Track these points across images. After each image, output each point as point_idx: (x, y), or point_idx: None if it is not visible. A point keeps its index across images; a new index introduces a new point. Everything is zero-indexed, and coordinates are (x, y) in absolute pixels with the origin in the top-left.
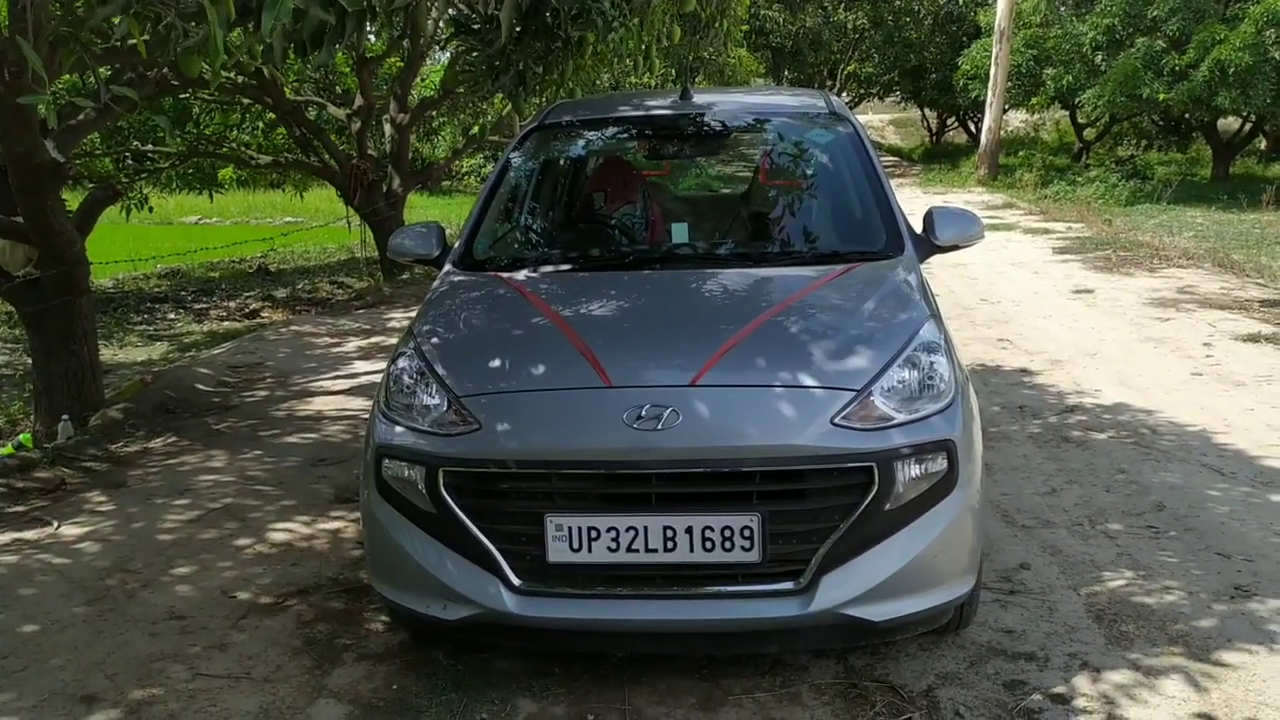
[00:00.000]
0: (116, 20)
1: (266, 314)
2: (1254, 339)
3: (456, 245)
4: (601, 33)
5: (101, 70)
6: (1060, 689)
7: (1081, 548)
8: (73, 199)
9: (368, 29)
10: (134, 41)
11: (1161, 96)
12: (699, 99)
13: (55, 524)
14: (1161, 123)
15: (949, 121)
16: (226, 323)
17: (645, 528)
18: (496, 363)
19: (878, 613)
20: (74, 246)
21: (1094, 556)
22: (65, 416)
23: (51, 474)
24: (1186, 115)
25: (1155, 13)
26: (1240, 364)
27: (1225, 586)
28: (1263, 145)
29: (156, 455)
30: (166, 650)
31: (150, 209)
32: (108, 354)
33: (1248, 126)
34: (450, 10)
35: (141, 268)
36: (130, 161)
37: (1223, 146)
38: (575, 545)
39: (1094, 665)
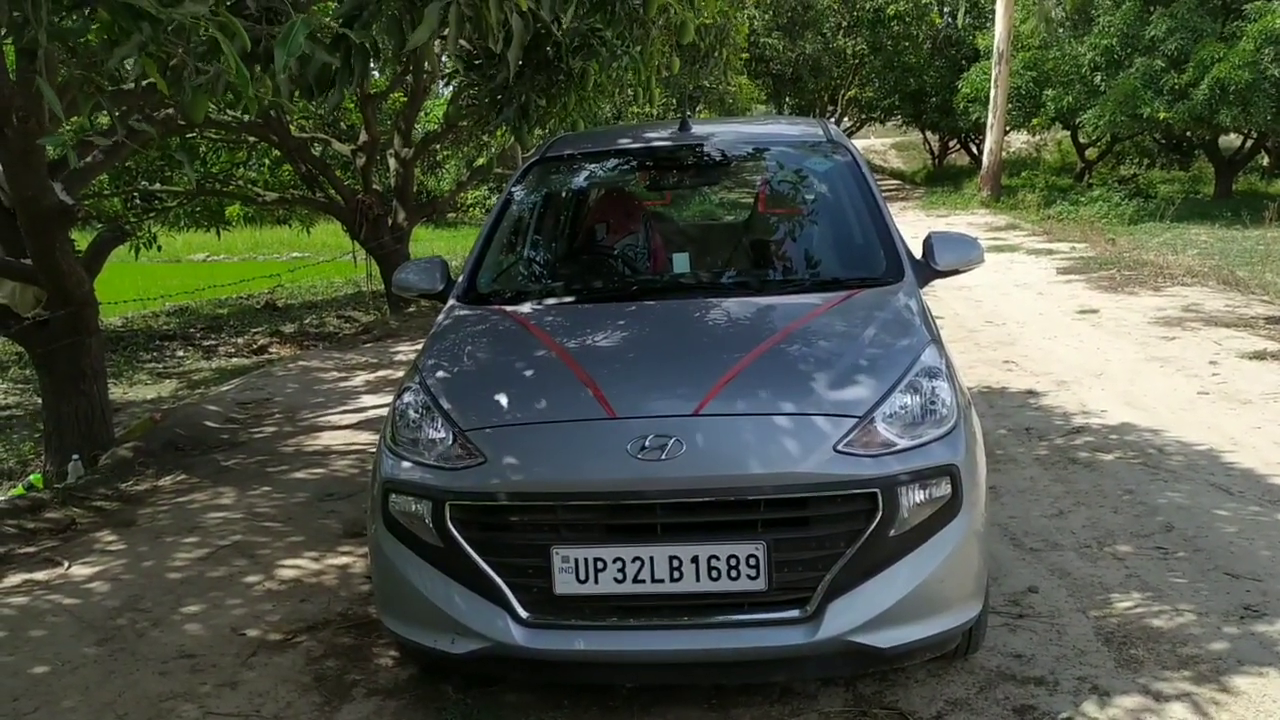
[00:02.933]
0: (129, 63)
1: (274, 350)
2: (1260, 356)
3: (460, 279)
4: (606, 62)
5: (114, 111)
6: (1069, 714)
7: (1090, 570)
8: (82, 239)
9: (372, 67)
10: (149, 81)
11: (1162, 115)
12: (698, 129)
13: (66, 564)
14: (1163, 141)
15: (951, 144)
16: (235, 359)
17: (651, 558)
18: (501, 396)
19: (885, 639)
20: (83, 287)
21: (1102, 578)
22: (75, 456)
23: (62, 514)
24: (1188, 133)
25: (1153, 33)
26: (1247, 382)
27: (1235, 607)
28: (1265, 162)
29: (166, 493)
30: (177, 689)
31: (159, 247)
32: (117, 392)
33: (1249, 143)
34: (457, 47)
35: (150, 306)
36: (138, 201)
37: (1225, 164)
38: (582, 577)
39: (1104, 689)
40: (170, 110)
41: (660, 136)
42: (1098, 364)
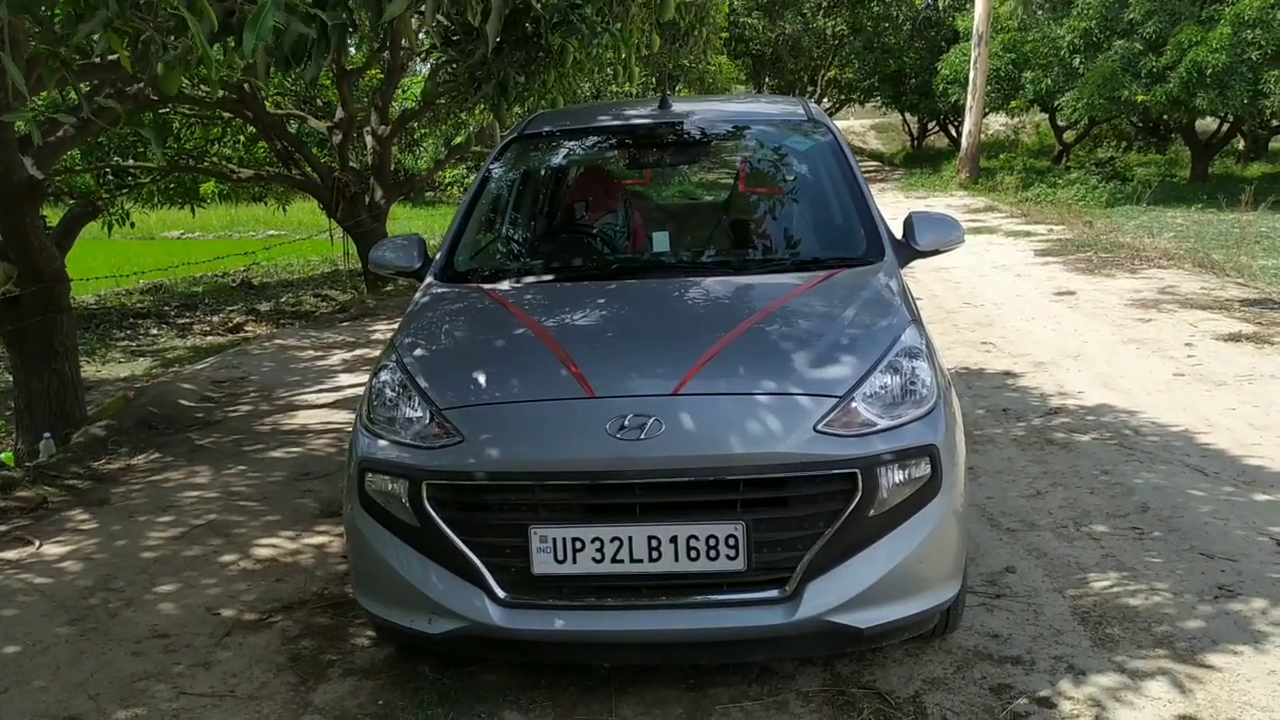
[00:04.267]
0: (96, 37)
1: (250, 328)
2: (1235, 339)
3: (438, 257)
4: (586, 39)
5: (81, 86)
6: (1046, 692)
7: (1066, 550)
8: (53, 215)
9: (349, 41)
10: (115, 56)
11: (1139, 98)
12: (678, 107)
13: (37, 543)
14: (1140, 124)
15: (930, 126)
16: (210, 337)
17: (630, 538)
18: (479, 375)
19: (863, 619)
20: (54, 263)
21: (1079, 559)
22: (47, 434)
23: (33, 493)
24: (1165, 117)
25: (1132, 15)
26: (1222, 364)
27: (1209, 587)
28: (1240, 145)
29: (139, 472)
30: (150, 669)
31: (132, 224)
32: (90, 370)
33: (1225, 127)
34: (435, 21)
35: (123, 283)
36: (111, 177)
37: (1201, 147)
38: (560, 556)
39: (1080, 668)
40: (141, 85)
41: (640, 114)
42: (1075, 345)
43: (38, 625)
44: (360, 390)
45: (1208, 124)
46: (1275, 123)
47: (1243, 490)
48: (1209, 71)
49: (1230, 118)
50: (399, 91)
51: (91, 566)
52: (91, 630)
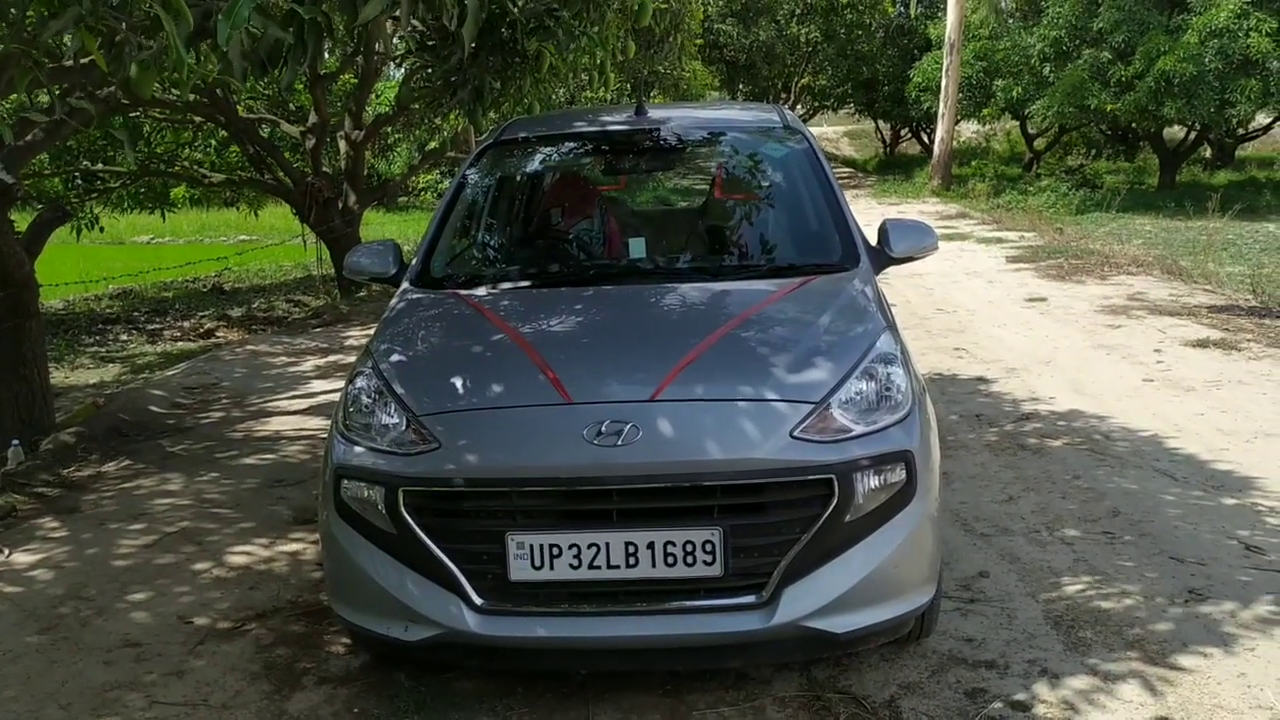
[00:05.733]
0: (69, 39)
1: (222, 334)
2: (1203, 344)
3: (413, 263)
4: (563, 45)
5: (53, 89)
6: (1021, 696)
7: (1039, 555)
8: (21, 220)
9: (325, 47)
10: (88, 58)
11: (1108, 107)
12: (654, 114)
13: (6, 552)
14: (1109, 132)
15: (902, 133)
16: (181, 343)
17: (607, 544)
18: (455, 381)
19: (839, 624)
20: (22, 268)
21: (1051, 563)
22: (15, 441)
23: (2, 501)
24: (1133, 125)
25: (1100, 25)
26: (1190, 369)
27: (1180, 590)
28: (1207, 153)
29: (110, 479)
30: (122, 679)
31: (101, 229)
32: (59, 376)
33: (1193, 135)
34: (408, 26)
35: (93, 289)
36: (80, 181)
37: (1169, 155)
38: (537, 563)
39: (1053, 672)
40: (113, 88)
41: (616, 120)
42: (1046, 351)
43: (8, 635)
44: (333, 397)
45: (1175, 132)
46: (1241, 131)
47: (1211, 494)
48: (1176, 80)
49: (1197, 126)
50: (373, 96)
51: (62, 575)
52: (62, 639)
